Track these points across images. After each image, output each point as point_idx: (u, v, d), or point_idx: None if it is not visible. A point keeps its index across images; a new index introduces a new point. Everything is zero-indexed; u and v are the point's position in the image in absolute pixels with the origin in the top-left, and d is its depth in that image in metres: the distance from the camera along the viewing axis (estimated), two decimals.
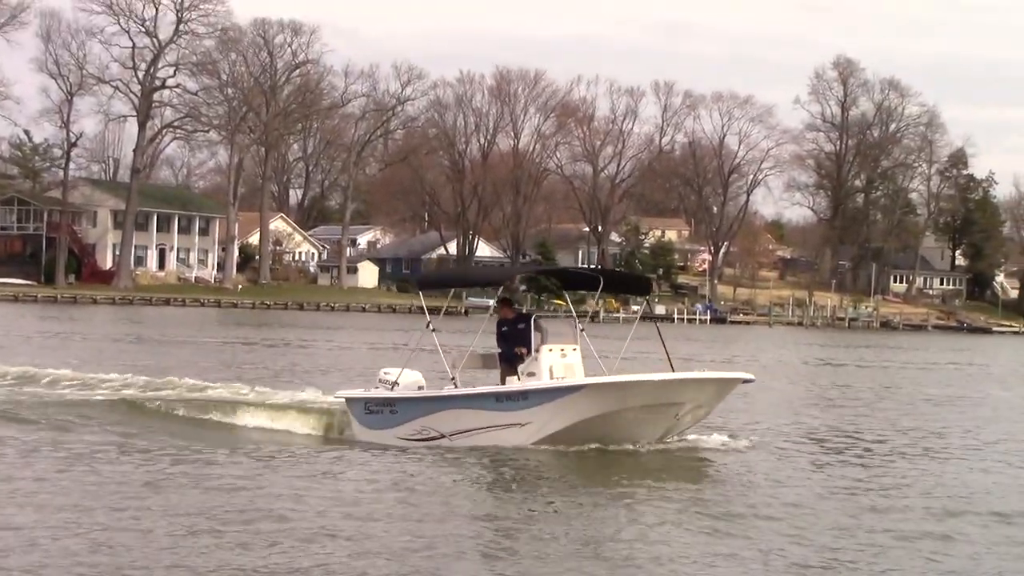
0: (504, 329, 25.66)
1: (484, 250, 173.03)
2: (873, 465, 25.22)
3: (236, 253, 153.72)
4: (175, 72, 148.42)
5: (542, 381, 24.46)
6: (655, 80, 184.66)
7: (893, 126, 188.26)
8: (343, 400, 27.80)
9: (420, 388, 26.26)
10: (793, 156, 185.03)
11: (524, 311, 26.87)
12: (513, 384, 24.84)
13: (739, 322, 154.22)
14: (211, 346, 62.09)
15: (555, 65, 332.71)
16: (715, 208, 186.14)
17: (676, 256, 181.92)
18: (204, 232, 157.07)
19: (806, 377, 57.26)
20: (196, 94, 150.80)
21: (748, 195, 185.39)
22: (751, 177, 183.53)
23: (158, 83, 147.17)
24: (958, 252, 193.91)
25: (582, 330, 25.42)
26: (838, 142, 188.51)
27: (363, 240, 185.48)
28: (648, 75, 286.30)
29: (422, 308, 27.87)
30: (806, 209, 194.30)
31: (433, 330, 25.97)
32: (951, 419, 36.54)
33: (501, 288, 30.32)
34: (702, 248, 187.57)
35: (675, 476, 22.34)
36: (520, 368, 24.87)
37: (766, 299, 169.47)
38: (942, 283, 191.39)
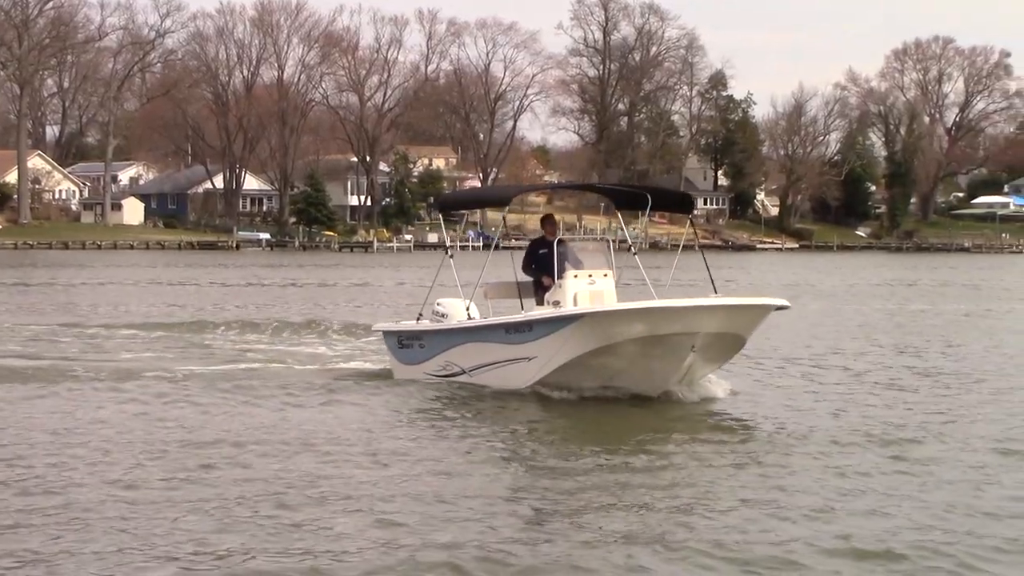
0: (543, 252, 23.47)
1: (251, 183, 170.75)
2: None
3: None
4: None
5: (543, 310, 22.59)
6: (419, 8, 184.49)
7: (654, 50, 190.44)
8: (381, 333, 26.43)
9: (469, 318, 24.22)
10: (558, 82, 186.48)
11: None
12: (518, 313, 23.10)
13: (511, 247, 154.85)
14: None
15: None
16: (482, 135, 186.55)
17: (445, 184, 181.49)
18: None
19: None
20: None
21: (515, 121, 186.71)
22: (517, 103, 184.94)
23: None
24: (720, 172, 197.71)
25: (634, 253, 23.21)
26: (601, 67, 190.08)
27: (125, 177, 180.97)
28: (412, 3, 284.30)
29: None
30: (572, 134, 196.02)
31: (451, 256, 24.91)
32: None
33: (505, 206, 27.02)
34: (471, 175, 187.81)
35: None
36: (546, 297, 22.96)
37: (536, 223, 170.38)
38: (706, 203, 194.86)
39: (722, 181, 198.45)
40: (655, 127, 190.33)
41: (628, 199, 26.63)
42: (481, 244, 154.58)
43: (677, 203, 29.41)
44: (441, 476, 15.88)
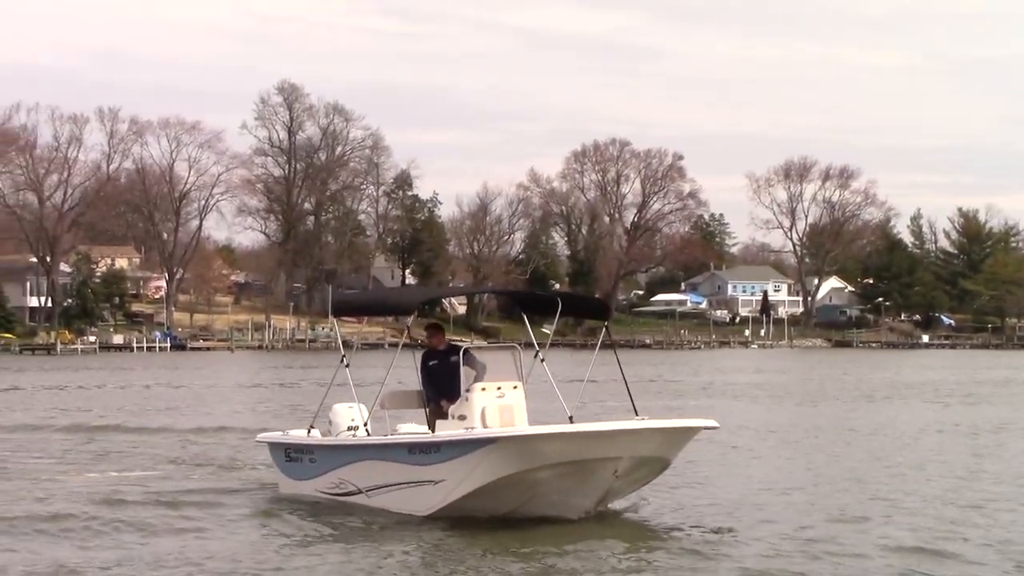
0: (433, 363, 21.80)
1: None
2: None
3: None
4: None
5: (453, 431, 20.55)
6: (99, 107, 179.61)
7: (339, 149, 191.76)
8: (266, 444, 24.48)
9: (351, 429, 22.39)
10: (243, 181, 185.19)
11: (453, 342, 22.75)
12: (425, 434, 21.33)
13: (200, 348, 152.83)
14: None
15: None
16: (166, 234, 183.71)
17: (129, 284, 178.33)
18: None
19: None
20: None
21: (200, 220, 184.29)
22: (203, 202, 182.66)
23: None
24: (408, 271, 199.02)
25: (542, 360, 21.28)
26: (287, 166, 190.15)
27: None
28: (92, 101, 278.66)
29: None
30: (258, 233, 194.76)
31: (347, 365, 22.80)
32: None
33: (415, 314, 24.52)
34: (155, 275, 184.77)
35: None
36: (451, 410, 20.97)
37: (224, 324, 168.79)
38: None
39: (410, 280, 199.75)
40: (342, 226, 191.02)
41: (537, 304, 25.20)
42: (169, 345, 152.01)
43: (589, 309, 28.62)
44: None
